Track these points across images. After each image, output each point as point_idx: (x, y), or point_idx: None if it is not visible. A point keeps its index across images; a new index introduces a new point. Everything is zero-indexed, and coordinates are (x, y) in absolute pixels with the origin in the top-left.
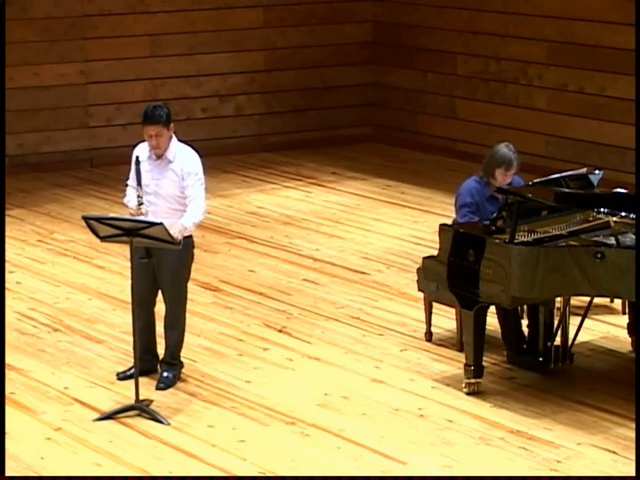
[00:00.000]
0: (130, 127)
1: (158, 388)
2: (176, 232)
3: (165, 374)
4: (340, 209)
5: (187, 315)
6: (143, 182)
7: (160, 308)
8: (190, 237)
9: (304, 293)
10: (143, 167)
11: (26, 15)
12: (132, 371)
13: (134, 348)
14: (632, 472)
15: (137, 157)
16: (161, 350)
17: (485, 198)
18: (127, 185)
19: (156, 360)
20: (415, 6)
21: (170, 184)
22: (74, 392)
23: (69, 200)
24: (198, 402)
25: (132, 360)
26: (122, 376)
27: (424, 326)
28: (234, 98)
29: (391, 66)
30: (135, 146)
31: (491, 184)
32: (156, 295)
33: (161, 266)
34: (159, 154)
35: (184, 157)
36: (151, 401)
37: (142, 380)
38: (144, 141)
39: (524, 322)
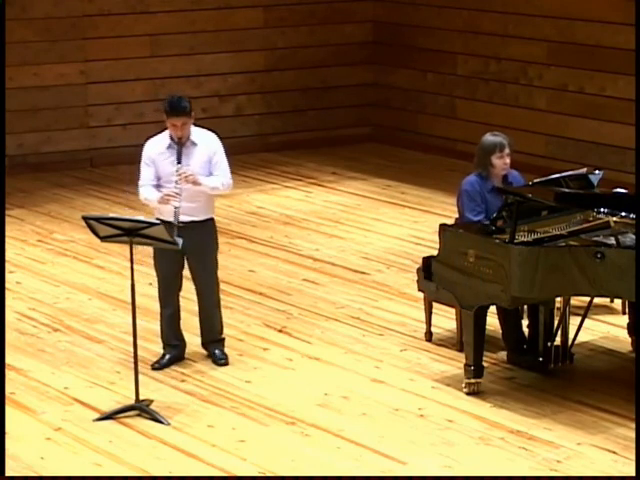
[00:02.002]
0: (130, 127)
1: (222, 364)
2: (208, 182)
3: (217, 351)
4: (340, 209)
5: (187, 315)
6: (171, 170)
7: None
8: (213, 219)
9: (304, 293)
10: (165, 157)
11: (26, 15)
12: (167, 357)
13: (134, 346)
14: (632, 472)
15: (177, 139)
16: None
17: (487, 191)
18: (140, 186)
19: (184, 345)
20: (415, 6)
21: (199, 165)
22: (74, 392)
23: (69, 200)
24: (198, 402)
25: (132, 360)
26: (157, 366)
27: (424, 326)
28: (234, 98)
29: (391, 66)
30: (139, 144)
31: (491, 175)
32: (182, 279)
33: (196, 254)
34: (184, 141)
35: (207, 139)
36: (151, 401)
37: (142, 380)
38: (154, 135)
39: (524, 322)
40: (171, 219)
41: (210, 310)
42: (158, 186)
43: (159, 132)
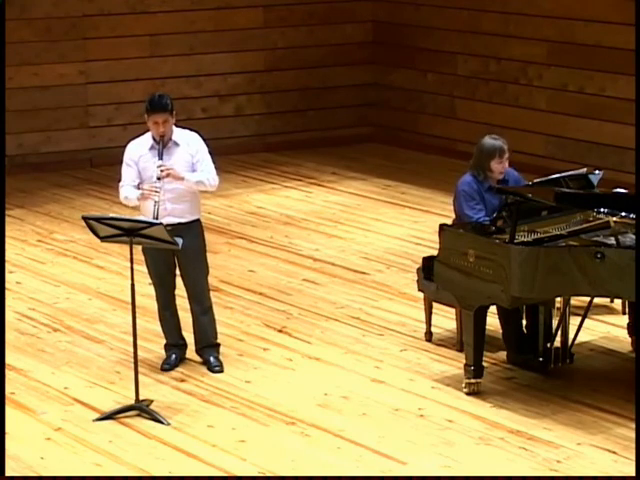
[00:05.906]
0: (130, 127)
1: (217, 372)
2: (191, 177)
3: (212, 358)
4: (340, 209)
5: (187, 315)
6: (152, 172)
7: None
8: (199, 220)
9: (304, 293)
10: (147, 159)
11: (26, 15)
12: (173, 357)
13: (134, 346)
14: (632, 472)
15: (158, 137)
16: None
17: (484, 190)
18: (121, 186)
19: (186, 345)
20: (415, 6)
21: (182, 164)
22: (74, 392)
23: (69, 200)
24: (198, 402)
25: (132, 360)
26: (167, 367)
27: (424, 326)
28: (234, 98)
29: (391, 66)
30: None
31: (488, 178)
32: (175, 278)
33: (185, 256)
34: (165, 140)
35: (189, 139)
36: (151, 401)
37: (142, 380)
38: (137, 137)
39: (524, 322)
40: (152, 220)
41: (202, 314)
42: (139, 188)
43: (142, 134)
